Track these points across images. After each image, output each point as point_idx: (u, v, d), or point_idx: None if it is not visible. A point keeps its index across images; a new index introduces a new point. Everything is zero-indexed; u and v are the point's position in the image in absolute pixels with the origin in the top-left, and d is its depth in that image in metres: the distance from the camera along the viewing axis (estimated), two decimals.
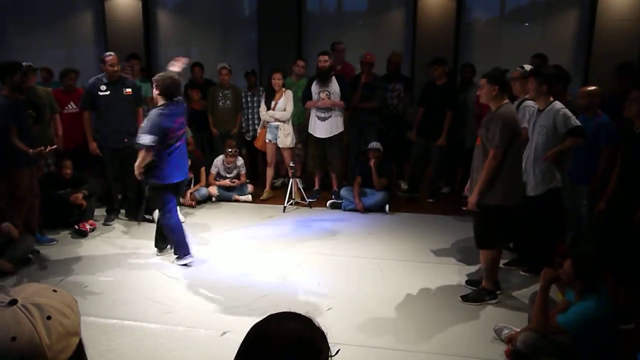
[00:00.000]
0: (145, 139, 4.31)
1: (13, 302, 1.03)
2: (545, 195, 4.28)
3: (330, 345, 1.21)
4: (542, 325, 3.00)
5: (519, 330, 3.27)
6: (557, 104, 4.21)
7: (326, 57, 6.23)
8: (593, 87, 4.52)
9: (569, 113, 4.15)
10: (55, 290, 1.10)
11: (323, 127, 6.33)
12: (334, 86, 6.24)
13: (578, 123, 4.12)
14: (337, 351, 1.24)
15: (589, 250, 3.16)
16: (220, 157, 6.73)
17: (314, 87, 6.31)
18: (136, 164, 4.46)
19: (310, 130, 6.48)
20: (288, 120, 6.45)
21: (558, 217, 4.45)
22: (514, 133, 3.78)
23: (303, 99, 6.46)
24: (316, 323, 1.23)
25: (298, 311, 1.27)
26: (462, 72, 6.97)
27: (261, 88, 7.08)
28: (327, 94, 6.25)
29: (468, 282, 4.30)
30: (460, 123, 6.57)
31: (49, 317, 1.03)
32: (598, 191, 4.29)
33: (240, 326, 3.59)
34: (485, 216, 3.87)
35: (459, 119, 6.53)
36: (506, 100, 3.87)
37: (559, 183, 4.33)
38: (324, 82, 6.23)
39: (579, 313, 2.87)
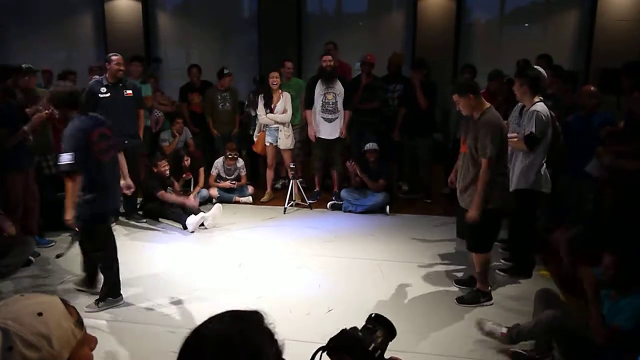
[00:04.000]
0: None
1: None
2: (524, 192, 4.24)
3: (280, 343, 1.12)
4: (605, 337, 2.82)
5: (505, 328, 3.26)
6: (537, 106, 4.13)
7: (330, 58, 6.25)
8: (594, 88, 4.59)
9: (540, 119, 4.07)
10: (40, 314, 1.02)
11: (329, 129, 6.36)
12: (339, 87, 6.27)
13: (533, 132, 4.07)
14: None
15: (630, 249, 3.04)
16: (221, 159, 6.73)
17: (319, 88, 6.32)
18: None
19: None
20: (288, 122, 6.46)
21: (532, 219, 4.45)
22: (502, 138, 3.76)
23: (305, 101, 6.47)
24: (259, 319, 1.14)
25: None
26: (462, 73, 6.98)
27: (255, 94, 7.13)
28: (333, 95, 6.27)
29: (457, 282, 4.32)
30: (444, 123, 6.78)
31: (10, 348, 0.95)
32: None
33: None
34: (483, 220, 3.85)
35: (442, 119, 6.73)
36: (487, 105, 3.84)
37: (541, 187, 4.27)
38: (329, 82, 6.25)
39: (634, 309, 2.73)
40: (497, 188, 3.78)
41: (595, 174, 4.44)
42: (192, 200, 5.90)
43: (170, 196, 5.87)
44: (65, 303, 1.11)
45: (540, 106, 4.14)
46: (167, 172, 6.01)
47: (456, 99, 3.83)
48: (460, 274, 4.51)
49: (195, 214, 5.60)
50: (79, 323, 1.11)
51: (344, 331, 1.26)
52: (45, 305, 1.05)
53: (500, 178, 3.80)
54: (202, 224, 5.62)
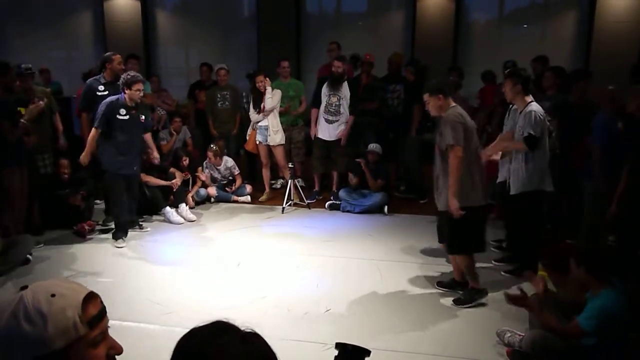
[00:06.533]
0: None
1: (24, 288, 1.06)
2: (530, 194, 4.24)
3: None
4: (567, 337, 2.84)
5: (523, 334, 3.25)
6: (532, 106, 4.13)
7: (340, 64, 6.27)
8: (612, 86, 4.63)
9: (536, 118, 4.06)
10: (53, 295, 1.05)
11: (330, 130, 6.37)
12: (345, 91, 6.30)
13: (531, 132, 4.06)
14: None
15: (593, 244, 3.02)
16: (205, 161, 6.73)
17: (325, 90, 6.37)
18: None
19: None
20: (275, 112, 6.42)
21: (538, 219, 4.45)
22: (465, 131, 3.73)
23: (313, 100, 6.52)
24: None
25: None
26: (449, 75, 7.10)
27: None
28: (337, 98, 6.30)
29: (439, 284, 4.27)
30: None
31: (15, 315, 1.01)
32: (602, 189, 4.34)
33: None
34: (458, 221, 3.79)
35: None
36: (453, 104, 3.86)
37: (547, 187, 4.27)
38: (336, 86, 6.28)
39: (597, 308, 2.74)
40: (467, 187, 3.75)
41: None
42: (176, 185, 6.08)
43: (154, 180, 5.95)
44: (91, 298, 1.11)
45: (535, 106, 4.14)
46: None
47: (426, 98, 3.86)
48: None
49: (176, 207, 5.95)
50: (91, 322, 1.09)
51: None
52: (65, 290, 1.08)
53: (469, 177, 3.76)
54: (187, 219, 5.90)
